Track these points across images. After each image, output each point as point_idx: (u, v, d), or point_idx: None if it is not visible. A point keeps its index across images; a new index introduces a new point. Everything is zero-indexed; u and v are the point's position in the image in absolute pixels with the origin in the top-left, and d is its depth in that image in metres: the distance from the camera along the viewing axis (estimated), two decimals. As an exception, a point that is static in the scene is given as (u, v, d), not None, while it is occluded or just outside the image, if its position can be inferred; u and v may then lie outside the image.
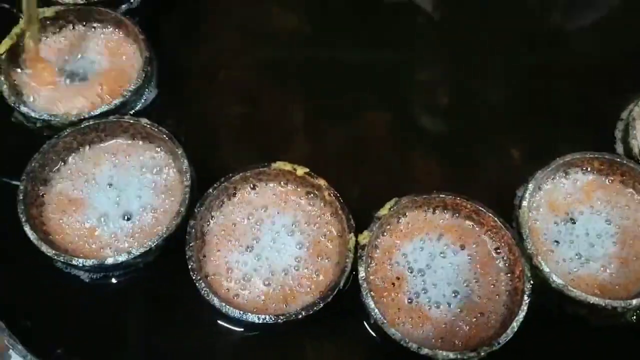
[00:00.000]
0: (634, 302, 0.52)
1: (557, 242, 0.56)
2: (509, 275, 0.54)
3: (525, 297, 0.51)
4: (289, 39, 0.71)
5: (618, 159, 0.58)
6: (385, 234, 0.56)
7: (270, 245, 0.55)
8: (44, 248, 0.52)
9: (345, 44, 0.70)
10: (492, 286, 0.54)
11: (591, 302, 0.51)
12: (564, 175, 0.59)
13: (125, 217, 0.56)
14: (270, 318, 0.50)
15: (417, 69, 0.70)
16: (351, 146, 0.64)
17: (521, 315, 0.51)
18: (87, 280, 0.55)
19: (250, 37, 0.70)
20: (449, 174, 0.63)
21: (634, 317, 0.54)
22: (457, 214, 0.56)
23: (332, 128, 0.65)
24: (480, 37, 0.71)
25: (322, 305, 0.51)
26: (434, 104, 0.68)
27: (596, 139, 0.63)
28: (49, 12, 0.64)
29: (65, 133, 0.58)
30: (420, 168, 0.63)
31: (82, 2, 0.66)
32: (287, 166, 0.57)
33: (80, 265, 0.52)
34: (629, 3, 0.74)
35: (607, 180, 0.58)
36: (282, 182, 0.58)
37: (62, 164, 0.58)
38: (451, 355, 0.49)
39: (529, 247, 0.54)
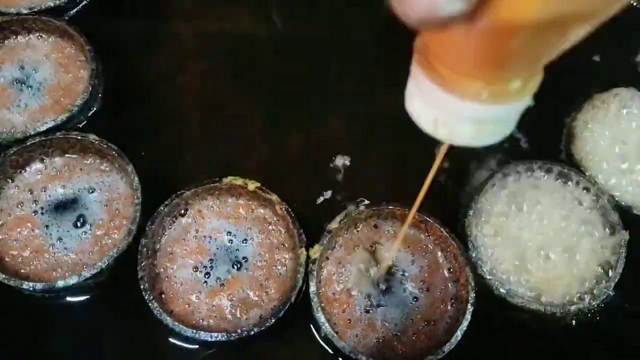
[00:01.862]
0: (572, 307, 0.54)
1: (501, 248, 0.58)
2: (454, 283, 0.56)
3: (469, 306, 0.53)
4: (247, 44, 0.70)
5: (559, 167, 0.60)
6: (336, 246, 0.57)
7: (222, 260, 0.56)
8: (-7, 273, 0.52)
9: (304, 49, 0.70)
10: (439, 295, 0.56)
11: (532, 308, 0.54)
12: (509, 180, 0.60)
13: (76, 236, 0.56)
14: (223, 335, 0.51)
15: (382, 73, 0.70)
16: (309, 154, 0.65)
17: (465, 323, 0.53)
18: (38, 301, 0.55)
19: (207, 41, 0.70)
20: (400, 182, 0.64)
21: (573, 320, 0.56)
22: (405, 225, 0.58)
23: (290, 136, 0.65)
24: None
25: (274, 320, 0.52)
26: (391, 111, 0.68)
27: (541, 144, 0.65)
28: (-9, 22, 0.63)
29: (11, 151, 0.57)
30: (373, 176, 0.64)
31: (25, 11, 0.64)
32: (239, 181, 0.57)
33: (31, 288, 0.52)
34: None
35: (550, 186, 0.60)
36: (234, 197, 0.58)
37: (9, 181, 0.58)
38: (399, 365, 0.51)
39: (473, 255, 0.56)
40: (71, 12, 0.67)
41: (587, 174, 0.60)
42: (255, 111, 0.66)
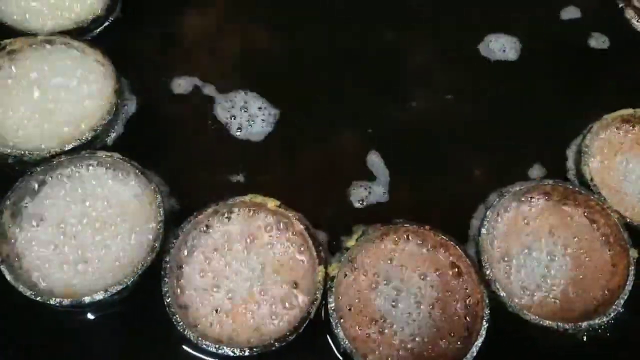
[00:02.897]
0: (583, 324, 0.56)
1: (514, 267, 0.60)
2: (469, 300, 0.57)
3: (484, 323, 0.55)
4: (263, 62, 0.72)
5: (570, 186, 0.62)
6: (353, 263, 0.58)
7: (242, 277, 0.57)
8: (22, 288, 0.53)
9: (318, 64, 0.72)
10: (454, 312, 0.57)
11: (545, 324, 0.55)
12: (520, 201, 0.62)
13: (101, 252, 0.57)
14: (245, 350, 0.53)
15: (392, 86, 0.72)
16: (323, 169, 0.66)
17: (480, 340, 0.54)
18: (64, 316, 0.56)
19: (223, 59, 0.72)
20: (414, 195, 0.66)
21: (584, 336, 0.58)
22: (420, 242, 0.59)
23: (306, 151, 0.67)
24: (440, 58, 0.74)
25: (294, 335, 0.54)
26: (402, 128, 0.70)
27: (548, 160, 0.67)
28: (16, 44, 0.64)
29: (38, 169, 0.59)
30: (390, 191, 0.66)
31: (50, 32, 0.66)
32: (258, 198, 0.59)
33: (58, 304, 0.53)
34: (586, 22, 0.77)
35: (561, 207, 0.62)
36: (254, 214, 0.60)
37: (34, 199, 0.59)
38: (416, 380, 0.53)
39: (487, 273, 0.57)
40: (94, 32, 0.69)
41: (596, 192, 0.62)
42: (273, 128, 0.68)
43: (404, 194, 0.65)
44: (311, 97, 0.70)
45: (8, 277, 0.54)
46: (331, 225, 0.62)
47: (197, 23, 0.74)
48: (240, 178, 0.65)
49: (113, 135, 0.64)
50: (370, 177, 0.66)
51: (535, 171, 0.66)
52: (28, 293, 0.53)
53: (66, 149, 0.60)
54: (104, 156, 0.60)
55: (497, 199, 0.61)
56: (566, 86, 0.72)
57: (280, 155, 0.67)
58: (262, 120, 0.68)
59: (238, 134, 0.67)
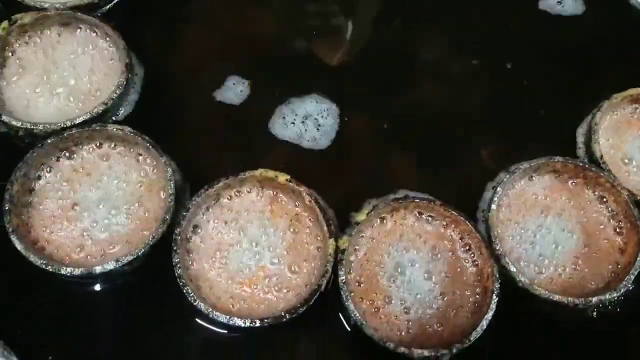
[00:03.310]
0: (594, 299, 0.56)
1: (523, 243, 0.60)
2: (478, 275, 0.57)
3: (494, 297, 0.55)
4: (270, 42, 0.72)
5: (581, 164, 0.61)
6: (363, 237, 0.58)
7: (253, 250, 0.58)
8: (32, 258, 0.53)
9: (325, 47, 0.72)
10: (464, 286, 0.57)
11: (554, 299, 0.55)
12: (529, 178, 0.62)
13: (111, 225, 0.58)
14: (255, 322, 0.53)
15: (401, 69, 0.72)
16: (333, 147, 0.66)
17: (490, 313, 0.54)
18: (75, 286, 0.56)
19: (231, 40, 0.71)
20: (424, 172, 0.65)
21: (594, 313, 0.58)
22: (430, 217, 0.59)
23: (315, 131, 0.66)
24: (450, 40, 0.74)
25: (304, 307, 0.54)
26: (410, 107, 0.70)
27: (557, 141, 0.67)
28: (27, 18, 0.64)
29: (49, 141, 0.59)
30: (397, 168, 0.66)
31: (59, 6, 0.66)
32: (269, 173, 0.59)
33: (69, 274, 0.53)
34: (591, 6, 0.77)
35: (570, 184, 0.62)
36: (264, 188, 0.60)
37: (47, 172, 0.59)
38: (425, 352, 0.52)
39: (497, 248, 0.57)
40: (104, 8, 0.69)
41: (606, 169, 0.62)
42: (277, 106, 0.68)
43: (413, 174, 0.66)
44: (319, 80, 0.70)
45: (19, 247, 0.54)
46: (340, 203, 0.62)
47: (204, 1, 0.74)
48: (248, 155, 0.65)
49: (123, 109, 0.64)
50: (378, 156, 0.66)
51: (545, 151, 0.66)
52: (39, 262, 0.53)
53: (77, 122, 0.60)
54: (114, 129, 0.60)
55: (507, 176, 0.61)
56: (578, 67, 0.72)
57: (290, 132, 0.67)
58: (272, 98, 0.68)
59: (249, 112, 0.67)
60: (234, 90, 0.68)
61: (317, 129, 0.67)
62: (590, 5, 0.76)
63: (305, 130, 0.67)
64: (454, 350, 0.53)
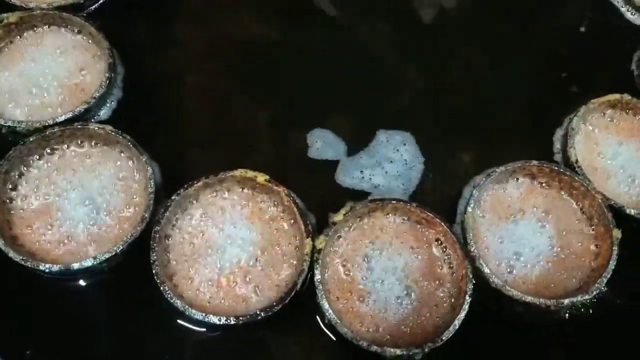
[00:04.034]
0: (565, 301, 0.57)
1: (498, 244, 0.60)
2: (453, 276, 0.58)
3: (467, 297, 0.56)
4: (256, 44, 0.72)
5: (556, 167, 0.62)
6: (340, 238, 0.59)
7: (231, 249, 0.58)
8: (12, 254, 0.54)
9: (311, 49, 0.73)
10: (438, 287, 0.58)
11: (527, 300, 0.56)
12: (506, 181, 0.63)
13: (90, 223, 0.58)
14: (231, 320, 0.54)
15: (383, 75, 0.72)
16: (312, 151, 0.66)
17: (463, 314, 0.55)
18: (54, 283, 0.57)
19: (217, 42, 0.72)
20: (404, 178, 0.66)
21: (567, 314, 0.59)
22: (407, 219, 0.60)
23: (297, 133, 0.67)
24: (440, 42, 0.75)
25: (280, 306, 0.54)
26: (393, 109, 0.71)
27: (535, 145, 0.68)
28: (13, 17, 0.65)
29: (31, 140, 0.59)
30: (378, 173, 0.66)
31: (45, 6, 0.67)
32: (249, 173, 0.60)
33: (47, 270, 0.54)
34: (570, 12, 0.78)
35: (545, 187, 0.63)
36: (244, 189, 0.61)
37: (28, 170, 0.60)
38: (398, 351, 0.53)
39: (472, 249, 0.58)
40: (89, 8, 0.70)
41: (581, 174, 0.63)
42: (262, 109, 0.68)
43: (394, 179, 0.66)
44: (301, 81, 0.71)
45: (-2, 243, 0.55)
46: (319, 204, 0.62)
47: (192, 2, 0.75)
48: (231, 156, 0.65)
49: (106, 109, 0.65)
50: (360, 159, 0.67)
51: (523, 154, 0.67)
52: (18, 259, 0.54)
53: (59, 120, 0.61)
54: (96, 128, 0.60)
55: (484, 179, 0.62)
56: (557, 72, 0.73)
57: (272, 135, 0.67)
58: (256, 100, 0.69)
59: (232, 113, 0.68)
60: (222, 91, 0.69)
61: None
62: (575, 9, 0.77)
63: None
64: (426, 349, 0.53)
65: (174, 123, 0.67)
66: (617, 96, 0.67)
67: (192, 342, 0.56)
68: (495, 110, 0.71)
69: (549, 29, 0.76)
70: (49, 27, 0.67)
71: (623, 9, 0.76)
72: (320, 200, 0.63)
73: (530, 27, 0.76)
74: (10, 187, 0.59)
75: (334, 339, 0.56)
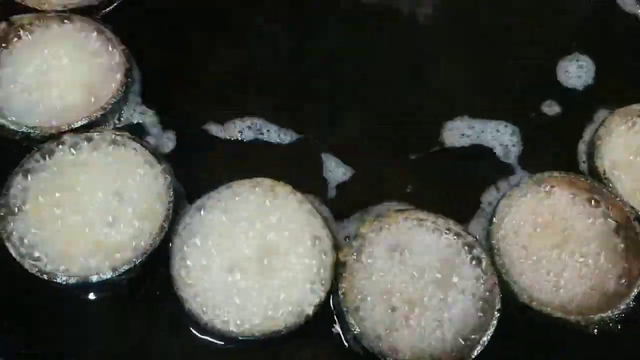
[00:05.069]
0: (595, 317, 0.55)
1: (526, 258, 0.59)
2: (481, 289, 0.57)
3: (495, 312, 0.54)
4: (271, 46, 0.71)
5: (582, 178, 0.61)
6: (365, 248, 0.58)
7: (252, 259, 0.56)
8: (28, 265, 0.52)
9: (321, 50, 0.72)
10: (466, 301, 0.56)
11: (556, 316, 0.55)
12: (534, 192, 0.61)
13: (108, 232, 0.56)
14: (252, 333, 0.52)
15: (389, 75, 0.71)
16: (330, 154, 0.65)
17: (491, 329, 0.54)
18: (68, 293, 0.55)
19: (231, 44, 0.71)
20: (423, 180, 0.65)
21: (595, 329, 0.57)
22: (435, 230, 0.58)
23: (313, 136, 0.66)
24: (449, 42, 0.74)
25: (304, 320, 0.53)
26: (405, 111, 0.69)
27: (558, 154, 0.67)
28: (26, 19, 0.64)
29: (45, 146, 0.58)
30: (392, 176, 0.65)
31: (60, 9, 0.65)
32: (267, 182, 0.58)
33: (64, 282, 0.52)
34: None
35: (574, 199, 0.61)
36: (262, 197, 0.59)
37: (43, 174, 0.58)
38: (426, 368, 0.52)
39: (499, 262, 0.57)
40: (104, 11, 0.68)
41: (610, 186, 0.61)
42: (277, 114, 0.67)
43: (407, 181, 0.65)
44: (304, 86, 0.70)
45: (14, 253, 0.53)
46: (337, 210, 0.61)
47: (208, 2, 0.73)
48: (248, 163, 0.64)
49: (122, 114, 0.63)
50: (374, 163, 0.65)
51: (548, 164, 0.66)
52: (34, 270, 0.52)
53: (74, 126, 0.59)
54: (113, 135, 0.59)
55: (511, 189, 0.61)
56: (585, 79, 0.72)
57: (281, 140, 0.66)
58: (268, 105, 0.67)
59: (247, 119, 0.66)
60: (234, 94, 0.68)
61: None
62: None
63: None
64: (456, 367, 0.52)
65: (191, 129, 0.65)
66: (644, 104, 0.66)
67: (211, 355, 0.55)
68: (516, 117, 0.69)
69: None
70: (63, 29, 0.65)
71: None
72: (338, 204, 0.62)
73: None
74: (24, 194, 0.57)
75: (358, 352, 0.55)
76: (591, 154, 0.64)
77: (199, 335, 0.55)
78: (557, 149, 0.67)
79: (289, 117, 0.67)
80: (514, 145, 0.67)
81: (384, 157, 0.66)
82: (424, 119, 0.69)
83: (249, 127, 0.66)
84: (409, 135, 0.67)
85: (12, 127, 0.59)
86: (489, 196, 0.64)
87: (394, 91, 0.70)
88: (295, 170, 0.64)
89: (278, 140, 0.66)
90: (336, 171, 0.65)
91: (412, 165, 0.66)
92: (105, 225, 0.56)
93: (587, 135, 0.67)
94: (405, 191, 0.64)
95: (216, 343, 0.55)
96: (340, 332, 0.56)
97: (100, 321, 0.55)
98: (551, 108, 0.70)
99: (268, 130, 0.66)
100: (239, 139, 0.65)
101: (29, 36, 0.64)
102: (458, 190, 0.64)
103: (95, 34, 0.65)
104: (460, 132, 0.68)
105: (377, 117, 0.68)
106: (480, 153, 0.67)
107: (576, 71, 0.72)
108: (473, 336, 0.54)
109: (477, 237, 0.58)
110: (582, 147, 0.67)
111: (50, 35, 0.65)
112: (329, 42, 0.73)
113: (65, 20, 0.65)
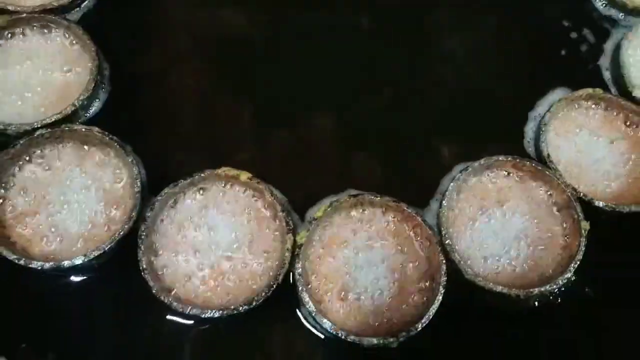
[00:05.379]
0: (535, 291, 0.59)
1: (472, 236, 0.63)
2: (428, 268, 0.61)
3: (441, 288, 0.58)
4: (239, 42, 0.74)
5: (527, 162, 0.65)
6: (320, 232, 0.62)
7: (215, 245, 0.61)
8: (5, 253, 0.56)
9: (292, 47, 0.74)
10: (414, 278, 0.61)
11: (498, 290, 0.59)
12: (482, 175, 0.65)
13: (79, 222, 0.61)
14: (215, 312, 0.56)
15: (362, 72, 0.74)
16: (298, 147, 0.69)
17: (437, 304, 0.58)
18: (45, 280, 0.60)
19: (200, 40, 0.74)
20: (384, 170, 0.69)
21: (536, 302, 0.62)
22: (384, 213, 0.63)
23: (281, 130, 0.69)
24: (415, 39, 0.77)
25: (262, 299, 0.57)
26: (375, 105, 0.73)
27: (512, 138, 0.70)
28: (0, 20, 0.67)
29: (21, 142, 0.61)
30: (359, 167, 0.69)
31: (31, 9, 0.68)
32: (232, 171, 0.62)
33: (39, 267, 0.57)
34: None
35: (519, 181, 0.65)
36: (227, 186, 0.63)
37: (18, 171, 0.62)
38: (374, 340, 0.56)
39: (446, 242, 0.61)
40: (73, 11, 0.71)
41: (552, 167, 0.65)
42: (246, 108, 0.70)
43: (374, 172, 0.69)
44: (285, 79, 0.72)
45: (-10, 242, 0.57)
46: (302, 200, 0.65)
47: (176, 4, 0.76)
48: (216, 156, 0.67)
49: (92, 110, 0.67)
50: (342, 155, 0.69)
51: (497, 148, 0.69)
52: (12, 257, 0.56)
53: (47, 122, 0.63)
54: (83, 129, 0.62)
55: (460, 174, 0.64)
56: (530, 65, 0.75)
57: (256, 135, 0.69)
58: (240, 98, 0.71)
59: (216, 111, 0.70)
60: (201, 90, 0.71)
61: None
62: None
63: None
64: (401, 339, 0.56)
65: (159, 123, 0.69)
66: (589, 90, 0.69)
67: (179, 335, 0.59)
68: (472, 104, 0.73)
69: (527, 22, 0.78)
70: (35, 29, 0.68)
71: (598, 3, 0.78)
72: (302, 195, 0.65)
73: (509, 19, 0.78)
74: (0, 188, 0.61)
75: (315, 330, 0.59)
76: (537, 138, 0.68)
77: (167, 316, 0.59)
78: (508, 134, 0.71)
79: (259, 104, 0.70)
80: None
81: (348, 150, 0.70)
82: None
83: (219, 116, 0.69)
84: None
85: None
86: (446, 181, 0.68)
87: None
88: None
89: (247, 128, 0.69)
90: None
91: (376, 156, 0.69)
92: (80, 214, 0.61)
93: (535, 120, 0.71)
94: (371, 182, 0.67)
95: (186, 324, 0.59)
96: (299, 312, 0.61)
97: (75, 304, 0.59)
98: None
99: (239, 119, 0.69)
100: (208, 128, 0.69)
101: (1, 36, 0.67)
102: (417, 178, 0.69)
103: (66, 32, 0.68)
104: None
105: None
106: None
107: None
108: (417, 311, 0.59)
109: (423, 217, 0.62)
110: (529, 129, 0.71)
111: (22, 34, 0.68)
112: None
113: (37, 20, 0.68)
